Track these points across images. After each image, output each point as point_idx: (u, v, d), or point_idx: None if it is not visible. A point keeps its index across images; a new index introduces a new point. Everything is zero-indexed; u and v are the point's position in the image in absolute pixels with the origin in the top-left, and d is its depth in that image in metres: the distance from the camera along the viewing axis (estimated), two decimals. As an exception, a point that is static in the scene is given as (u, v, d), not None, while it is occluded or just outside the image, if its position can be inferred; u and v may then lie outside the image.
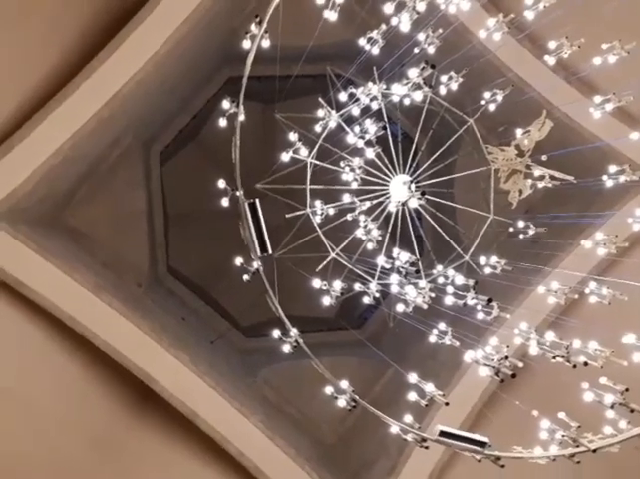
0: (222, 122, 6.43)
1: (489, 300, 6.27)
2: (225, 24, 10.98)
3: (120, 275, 11.08)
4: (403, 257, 6.78)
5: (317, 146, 8.44)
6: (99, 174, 11.06)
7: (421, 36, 6.76)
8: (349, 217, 7.54)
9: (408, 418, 6.44)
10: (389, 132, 8.40)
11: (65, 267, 9.59)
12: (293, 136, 7.17)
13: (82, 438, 9.37)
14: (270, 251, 6.04)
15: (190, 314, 12.26)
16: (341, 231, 8.97)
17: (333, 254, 8.73)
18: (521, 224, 7.85)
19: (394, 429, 6.38)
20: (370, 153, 7.06)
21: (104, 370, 9.85)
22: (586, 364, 5.58)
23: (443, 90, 7.50)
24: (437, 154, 8.68)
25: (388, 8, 5.75)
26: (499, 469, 6.19)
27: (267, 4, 6.45)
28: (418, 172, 8.39)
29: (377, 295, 7.27)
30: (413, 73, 6.44)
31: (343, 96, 7.09)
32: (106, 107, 9.38)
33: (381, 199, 7.41)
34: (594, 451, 5.45)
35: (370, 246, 7.59)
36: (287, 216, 8.69)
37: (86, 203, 10.99)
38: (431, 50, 6.84)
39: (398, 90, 6.57)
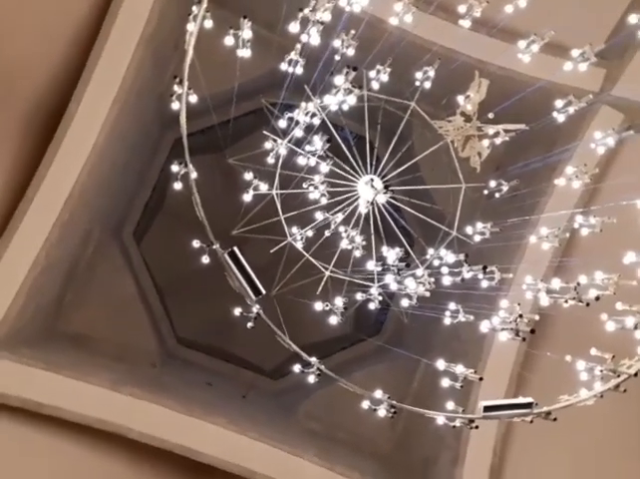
0: (177, 185, 6.45)
1: (484, 267, 6.28)
2: (153, 92, 11.08)
3: (133, 363, 11.04)
4: (391, 256, 6.81)
5: (277, 176, 8.52)
6: (81, 272, 11.07)
7: (337, 42, 6.84)
8: (327, 233, 7.57)
9: (450, 405, 6.43)
10: (339, 140, 8.47)
11: (78, 374, 9.56)
12: (248, 176, 7.23)
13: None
14: (264, 292, 6.04)
15: (213, 376, 12.19)
16: (327, 247, 9.01)
17: (327, 273, 8.74)
18: (493, 183, 7.89)
19: (440, 420, 6.36)
20: (325, 167, 7.10)
21: (148, 459, 9.77)
22: (598, 299, 5.60)
23: (376, 85, 7.58)
24: (392, 145, 8.75)
25: (294, 27, 5.84)
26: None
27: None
28: (380, 168, 8.46)
29: (380, 299, 7.28)
30: (339, 80, 6.52)
31: (283, 123, 7.16)
32: (65, 210, 9.44)
33: (353, 205, 7.44)
34: (635, 375, 5.45)
35: (358, 254, 7.61)
36: (271, 251, 8.70)
37: (77, 305, 10.98)
38: (351, 52, 6.92)
39: (331, 100, 6.64)
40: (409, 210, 9.11)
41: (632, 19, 6.13)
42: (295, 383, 12.05)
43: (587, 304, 5.73)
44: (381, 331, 13.84)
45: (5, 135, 8.93)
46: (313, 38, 5.88)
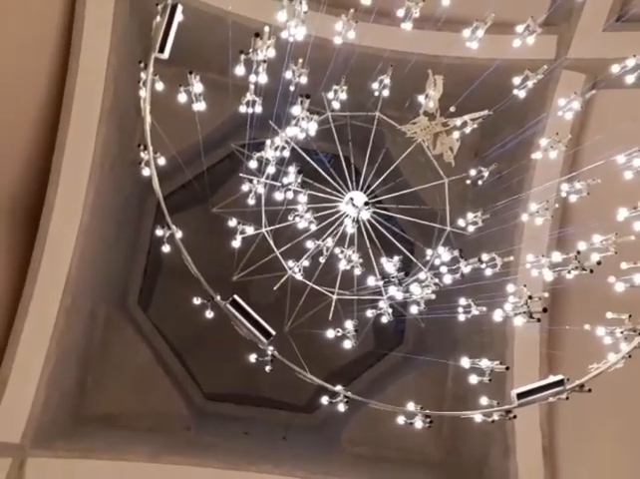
0: (165, 249, 6.47)
1: (479, 259, 6.26)
2: (125, 160, 11.17)
3: (167, 430, 10.97)
4: (389, 267, 6.80)
5: (263, 215, 8.55)
6: (95, 352, 11.06)
7: (289, 74, 6.91)
8: (322, 260, 7.57)
9: (484, 400, 6.35)
10: (315, 165, 8.51)
11: (114, 455, 9.48)
12: (232, 222, 7.27)
13: None
14: (274, 333, 6.01)
15: (249, 424, 12.09)
16: (328, 272, 8.99)
17: (334, 297, 8.71)
18: (473, 172, 7.88)
19: (478, 418, 6.28)
20: (303, 197, 7.12)
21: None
22: (599, 263, 5.57)
23: (336, 104, 7.64)
24: (367, 157, 8.78)
25: (240, 70, 5.90)
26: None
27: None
28: (361, 182, 8.48)
29: (390, 311, 7.24)
30: (297, 110, 6.57)
31: (254, 163, 7.20)
32: (65, 296, 9.48)
33: (342, 226, 7.43)
34: (654, 330, 5.40)
35: (359, 272, 7.59)
36: (274, 288, 8.69)
37: (99, 385, 10.95)
38: (304, 80, 6.98)
39: (294, 131, 6.69)
40: (399, 216, 9.07)
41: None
42: (332, 412, 11.94)
43: (591, 271, 5.69)
44: (403, 340, 13.76)
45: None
46: (261, 77, 5.93)
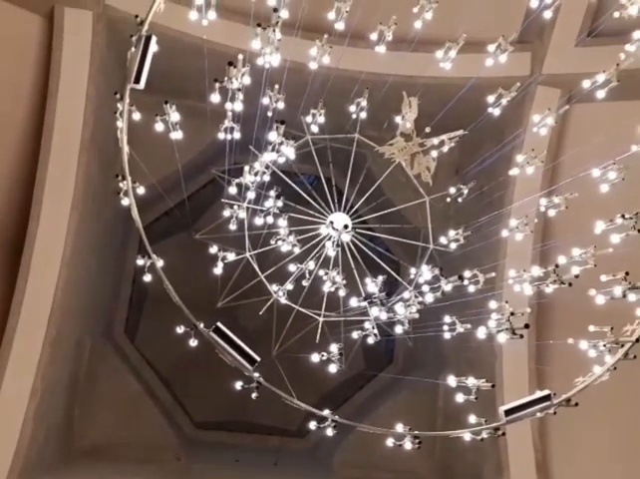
0: (147, 278, 6.44)
1: (460, 277, 6.28)
2: (107, 190, 11.14)
3: (157, 461, 10.81)
4: (372, 288, 6.81)
5: (246, 239, 8.56)
6: (82, 384, 10.93)
7: (265, 100, 6.97)
8: (305, 283, 7.56)
9: (472, 418, 6.33)
10: (296, 187, 8.56)
11: (103, 487, 9.33)
12: (213, 249, 7.27)
13: None
14: (258, 359, 5.97)
15: (240, 451, 11.95)
16: (314, 294, 8.98)
17: (320, 319, 8.70)
18: (453, 190, 7.95)
19: (467, 436, 6.25)
20: (283, 222, 7.13)
21: None
22: (577, 276, 5.61)
23: (315, 128, 7.71)
24: (348, 179, 8.83)
25: (215, 98, 5.95)
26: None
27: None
28: (344, 203, 8.53)
29: (376, 331, 7.23)
30: (273, 136, 6.62)
31: (233, 189, 7.22)
32: (50, 328, 9.38)
33: (326, 249, 7.44)
34: (637, 341, 5.43)
35: (343, 293, 7.59)
36: (260, 313, 8.67)
37: (87, 417, 10.81)
38: (281, 105, 7.04)
39: (270, 157, 6.73)
40: (383, 236, 9.11)
41: (534, 2, 6.29)
42: (323, 436, 11.81)
43: (570, 284, 5.73)
44: (393, 359, 13.72)
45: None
46: (237, 105, 5.98)
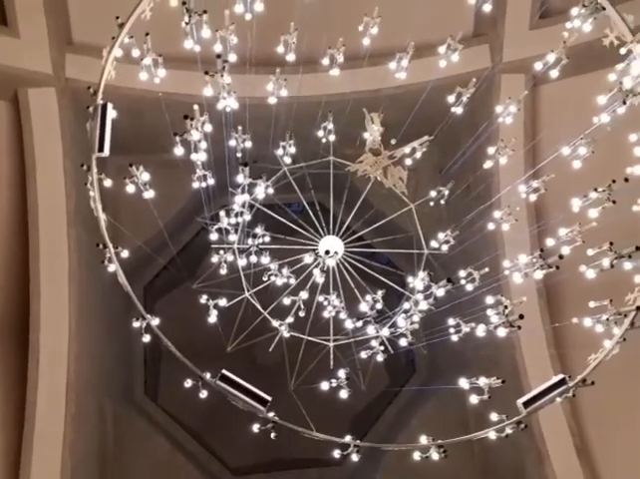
0: (145, 339, 6.48)
1: (449, 279, 6.28)
2: (99, 259, 11.23)
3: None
4: (364, 307, 6.83)
5: (243, 280, 8.59)
6: (110, 453, 10.90)
7: (232, 142, 7.07)
8: (301, 314, 7.58)
9: (494, 416, 6.28)
10: (282, 219, 8.62)
11: None
12: (203, 299, 7.33)
13: None
14: (269, 399, 5.96)
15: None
16: (319, 321, 8.97)
17: (331, 345, 8.69)
18: (433, 193, 7.98)
19: (492, 435, 6.20)
20: (266, 259, 7.18)
21: None
22: (561, 257, 5.61)
23: (288, 159, 7.80)
24: (331, 201, 8.88)
25: (178, 151, 6.06)
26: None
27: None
28: (331, 224, 8.59)
29: (382, 349, 7.22)
30: (240, 179, 6.71)
31: (214, 235, 7.28)
32: (69, 400, 9.43)
33: (316, 276, 7.47)
34: (638, 308, 5.40)
35: (344, 315, 7.59)
36: (270, 349, 8.67)
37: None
38: (249, 144, 7.14)
39: (243, 198, 6.81)
40: (375, 250, 9.13)
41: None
42: (361, 460, 11.73)
43: (557, 267, 5.72)
44: (416, 369, 13.61)
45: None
46: (201, 155, 6.09)
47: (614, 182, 5.92)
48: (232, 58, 6.11)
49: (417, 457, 6.31)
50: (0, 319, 9.58)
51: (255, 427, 6.36)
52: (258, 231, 6.87)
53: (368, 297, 7.67)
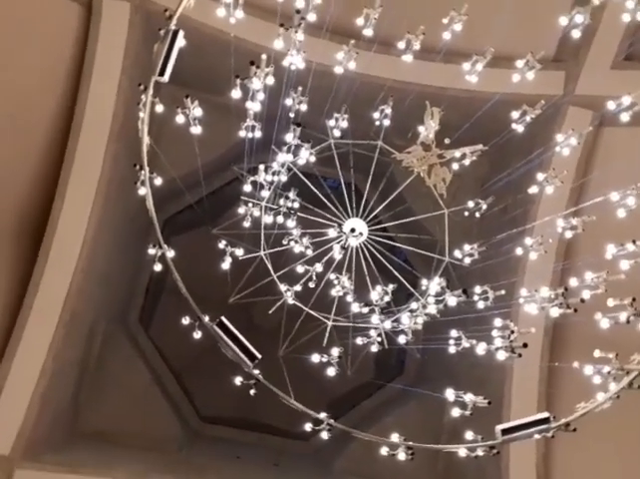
0: (157, 267, 6.53)
1: (464, 291, 6.22)
2: (133, 180, 11.32)
3: (159, 450, 10.90)
4: (374, 295, 6.80)
5: (262, 238, 8.61)
6: (92, 368, 11.09)
7: (289, 101, 7.02)
8: (311, 285, 7.58)
9: (469, 435, 6.25)
10: (315, 190, 8.59)
11: (103, 471, 9.46)
12: (221, 244, 7.34)
13: None
14: (259, 356, 5.99)
15: (243, 448, 11.99)
16: (326, 297, 8.98)
17: (329, 323, 8.70)
18: (471, 204, 7.88)
19: (462, 452, 6.18)
20: (292, 223, 7.17)
21: None
22: (583, 301, 5.52)
23: (337, 132, 7.74)
24: (367, 186, 8.83)
25: (236, 94, 6.01)
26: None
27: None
28: (361, 208, 8.55)
29: (379, 340, 7.21)
30: (289, 138, 6.67)
31: (248, 187, 7.28)
32: (65, 310, 9.56)
33: (332, 253, 7.45)
34: (643, 370, 5.31)
35: (350, 298, 7.58)
36: (270, 312, 8.71)
37: (94, 402, 10.96)
38: (304, 107, 7.08)
39: (286, 157, 6.78)
40: (397, 245, 9.08)
41: (563, 20, 6.22)
42: (326, 441, 11.81)
43: (575, 310, 5.64)
44: (404, 371, 13.61)
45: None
46: (256, 105, 6.05)
47: (655, 239, 5.80)
48: (311, 17, 6.05)
49: (384, 452, 6.31)
50: (22, 215, 9.69)
51: (238, 380, 6.39)
52: (291, 194, 6.83)
53: (378, 288, 7.67)
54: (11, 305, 9.43)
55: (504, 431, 5.87)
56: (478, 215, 7.90)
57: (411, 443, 6.13)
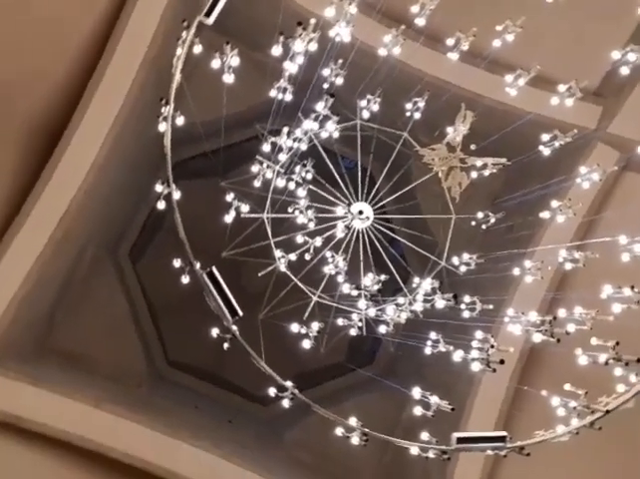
0: (161, 205, 6.54)
1: (454, 296, 6.26)
2: (155, 114, 11.25)
3: (120, 382, 11.01)
4: (367, 281, 6.83)
5: (268, 201, 8.61)
6: (73, 289, 11.11)
7: (326, 71, 6.97)
8: (307, 257, 7.61)
9: (424, 435, 6.35)
10: (331, 165, 8.57)
11: (63, 391, 9.55)
12: (229, 197, 7.33)
13: None
14: (241, 313, 6.04)
15: (202, 400, 12.10)
16: (317, 272, 9.01)
17: (315, 298, 8.75)
18: (481, 214, 7.90)
19: (414, 450, 6.28)
20: (303, 192, 7.16)
21: (130, 480, 9.69)
22: (568, 333, 5.56)
23: (366, 114, 7.70)
24: (383, 174, 8.81)
25: (276, 50, 5.96)
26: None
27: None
28: (372, 194, 8.55)
29: (360, 325, 7.26)
30: (319, 106, 6.63)
31: (267, 147, 7.25)
32: (59, 227, 9.56)
33: (334, 230, 7.47)
34: (607, 412, 5.37)
35: (341, 279, 7.62)
36: (259, 274, 8.74)
37: (68, 322, 11.00)
38: (339, 81, 7.04)
39: (311, 125, 6.74)
40: (397, 238, 9.10)
41: (615, 54, 6.17)
42: (285, 410, 11.95)
43: (558, 340, 5.68)
44: (374, 361, 13.70)
45: (4, 151, 9.10)
46: (293, 67, 6.00)
47: (653, 290, 5.82)
48: (368, -7, 5.99)
49: (339, 433, 6.40)
50: (37, 125, 9.59)
51: (215, 332, 6.45)
52: (306, 164, 6.82)
53: (370, 275, 7.71)
54: (9, 208, 9.41)
55: (460, 440, 5.95)
56: (484, 227, 7.90)
57: (367, 430, 6.21)
